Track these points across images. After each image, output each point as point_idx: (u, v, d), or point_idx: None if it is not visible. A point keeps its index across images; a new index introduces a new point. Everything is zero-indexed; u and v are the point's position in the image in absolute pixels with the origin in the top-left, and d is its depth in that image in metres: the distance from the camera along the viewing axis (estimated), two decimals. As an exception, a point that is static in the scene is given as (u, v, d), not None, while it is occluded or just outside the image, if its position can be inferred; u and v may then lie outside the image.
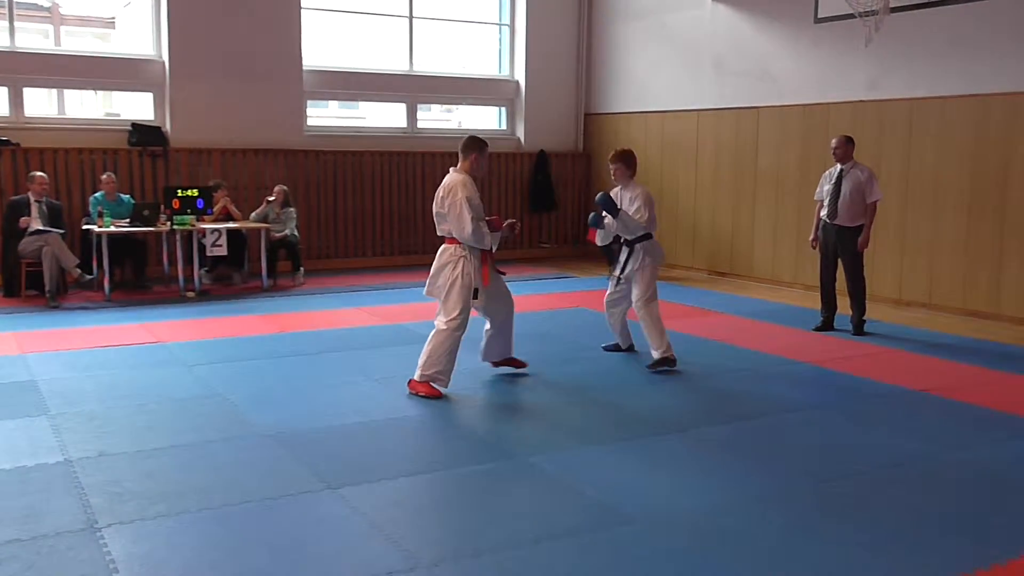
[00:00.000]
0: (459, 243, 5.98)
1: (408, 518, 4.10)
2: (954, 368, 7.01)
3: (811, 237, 8.36)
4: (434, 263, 6.07)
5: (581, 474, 4.65)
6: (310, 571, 3.56)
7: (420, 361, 5.99)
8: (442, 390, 6.01)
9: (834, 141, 8.11)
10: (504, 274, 6.46)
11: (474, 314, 6.18)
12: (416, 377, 6.00)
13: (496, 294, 6.29)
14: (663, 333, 6.70)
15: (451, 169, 6.14)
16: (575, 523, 4.05)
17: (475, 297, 6.03)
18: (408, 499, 4.31)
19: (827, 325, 8.28)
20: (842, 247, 8.06)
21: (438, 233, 6.13)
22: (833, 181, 8.03)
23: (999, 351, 7.57)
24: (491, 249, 6.13)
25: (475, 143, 6.10)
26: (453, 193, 5.92)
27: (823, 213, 8.11)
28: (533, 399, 6.11)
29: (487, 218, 6.10)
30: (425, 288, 6.15)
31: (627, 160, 6.86)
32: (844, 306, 8.26)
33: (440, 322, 5.99)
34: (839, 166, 8.02)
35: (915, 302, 9.51)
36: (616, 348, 7.33)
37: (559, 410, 5.87)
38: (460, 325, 5.97)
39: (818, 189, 8.25)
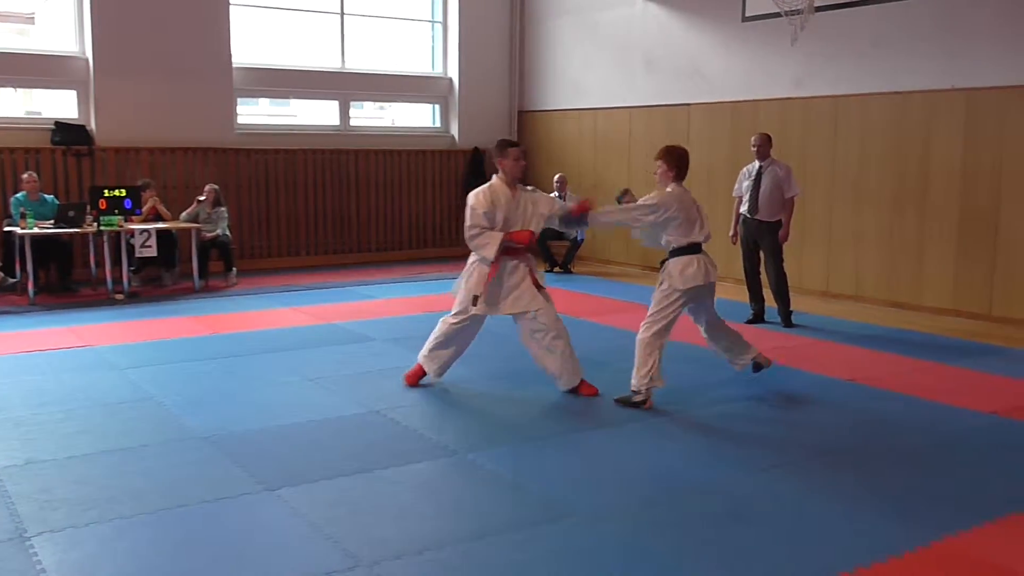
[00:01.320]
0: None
1: (348, 518, 4.08)
2: (880, 358, 7.21)
3: (731, 232, 8.59)
4: None
5: (521, 470, 4.68)
6: (249, 573, 3.53)
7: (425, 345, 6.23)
8: (430, 373, 6.22)
9: (754, 138, 8.28)
10: (541, 288, 6.03)
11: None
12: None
13: (520, 314, 5.96)
14: (648, 368, 5.69)
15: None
16: (516, 518, 4.08)
17: (474, 304, 5.90)
18: (347, 499, 4.29)
19: (758, 318, 8.47)
20: (762, 241, 8.27)
21: None
22: (753, 177, 8.23)
23: (922, 341, 7.81)
24: (491, 257, 5.81)
25: (498, 146, 6.09)
26: (469, 199, 5.93)
27: (743, 208, 8.30)
28: (472, 397, 6.12)
29: (511, 231, 5.85)
30: None
31: (668, 157, 5.85)
32: (772, 299, 8.44)
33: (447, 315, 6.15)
34: (758, 163, 8.22)
35: (842, 294, 9.76)
36: (756, 367, 6.39)
37: (498, 407, 5.89)
38: (455, 321, 6.05)
39: (737, 185, 8.43)
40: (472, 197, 5.90)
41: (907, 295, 9.22)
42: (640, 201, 5.75)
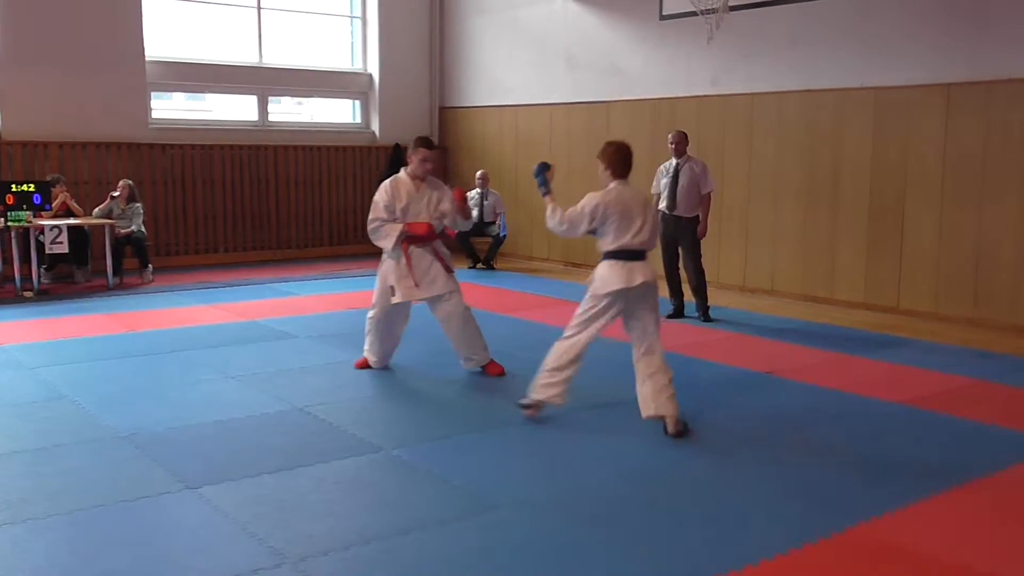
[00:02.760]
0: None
1: (272, 515, 4.03)
2: (796, 350, 7.41)
3: None
4: None
5: (445, 464, 4.68)
6: (173, 572, 3.47)
7: None
8: (372, 365, 6.52)
9: (671, 136, 8.38)
10: (451, 272, 6.29)
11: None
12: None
13: (435, 298, 6.25)
14: (556, 380, 5.28)
15: None
16: (442, 512, 4.09)
17: (392, 294, 6.15)
18: (272, 496, 4.24)
19: (678, 313, 8.60)
20: (681, 237, 8.40)
21: None
22: (670, 175, 8.34)
23: (836, 333, 8.06)
24: (389, 249, 6.16)
25: (413, 142, 6.29)
26: (376, 194, 6.19)
27: (661, 205, 8.39)
28: (397, 393, 6.11)
29: (409, 223, 6.11)
30: None
31: (603, 155, 5.40)
32: (691, 294, 8.60)
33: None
34: (675, 160, 8.34)
35: (759, 289, 10.00)
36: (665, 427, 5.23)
37: (424, 401, 5.89)
38: (374, 315, 6.33)
39: (655, 182, 8.52)
40: (378, 192, 6.20)
41: (821, 289, 9.50)
42: (578, 206, 5.20)
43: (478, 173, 12.04)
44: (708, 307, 8.51)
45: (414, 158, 6.20)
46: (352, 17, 13.68)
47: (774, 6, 9.62)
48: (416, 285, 6.14)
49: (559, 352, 5.26)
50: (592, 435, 5.20)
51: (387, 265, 6.22)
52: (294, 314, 8.59)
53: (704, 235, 8.40)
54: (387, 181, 6.25)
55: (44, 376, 6.25)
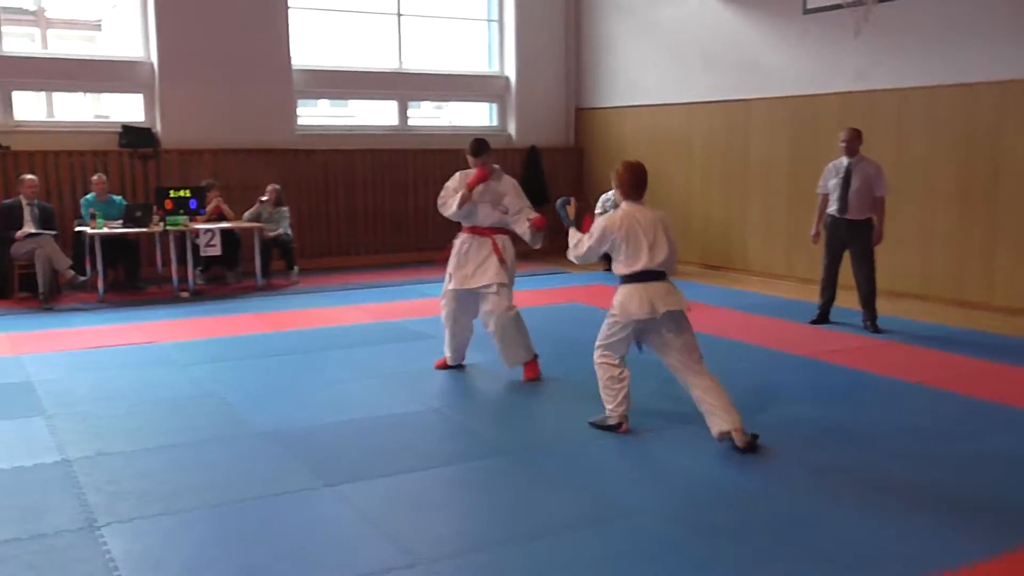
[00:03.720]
0: None
1: (406, 515, 4.10)
2: (948, 359, 7.03)
3: (812, 232, 8.16)
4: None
5: (575, 470, 4.65)
6: (310, 568, 3.57)
7: None
8: (449, 362, 6.62)
9: (843, 134, 7.85)
10: (505, 266, 6.28)
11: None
12: None
13: (481, 289, 6.35)
14: (611, 397, 5.26)
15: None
16: (573, 518, 4.06)
17: (449, 282, 6.46)
18: (406, 496, 4.31)
19: (821, 318, 8.22)
20: (853, 242, 7.88)
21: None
22: (841, 175, 7.80)
23: (992, 341, 7.59)
24: (454, 209, 6.44)
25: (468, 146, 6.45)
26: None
27: (831, 208, 7.90)
28: (529, 396, 6.12)
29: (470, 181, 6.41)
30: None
31: (615, 178, 5.37)
32: (841, 299, 8.22)
33: None
34: (845, 159, 7.81)
35: (908, 293, 9.54)
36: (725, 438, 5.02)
37: (554, 406, 5.88)
38: (443, 306, 6.52)
39: (822, 182, 8.02)
40: (450, 179, 6.50)
41: (976, 294, 8.98)
42: (590, 231, 5.17)
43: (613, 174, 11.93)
44: (877, 316, 7.97)
45: (472, 161, 6.39)
46: (489, 21, 13.83)
47: (926, -4, 9.18)
48: (467, 275, 6.27)
49: (605, 376, 5.23)
50: (716, 445, 5.06)
51: (450, 253, 6.44)
52: (431, 315, 8.71)
53: (880, 241, 7.85)
54: (461, 172, 6.48)
55: (195, 373, 6.56)
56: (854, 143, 7.79)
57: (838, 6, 9.18)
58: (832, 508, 4.13)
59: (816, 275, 8.43)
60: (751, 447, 4.84)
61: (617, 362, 5.22)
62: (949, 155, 9.13)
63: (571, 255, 5.31)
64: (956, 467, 4.68)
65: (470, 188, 6.26)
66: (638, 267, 5.01)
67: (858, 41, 9.46)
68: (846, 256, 8.03)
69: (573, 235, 5.29)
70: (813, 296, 8.47)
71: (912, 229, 9.49)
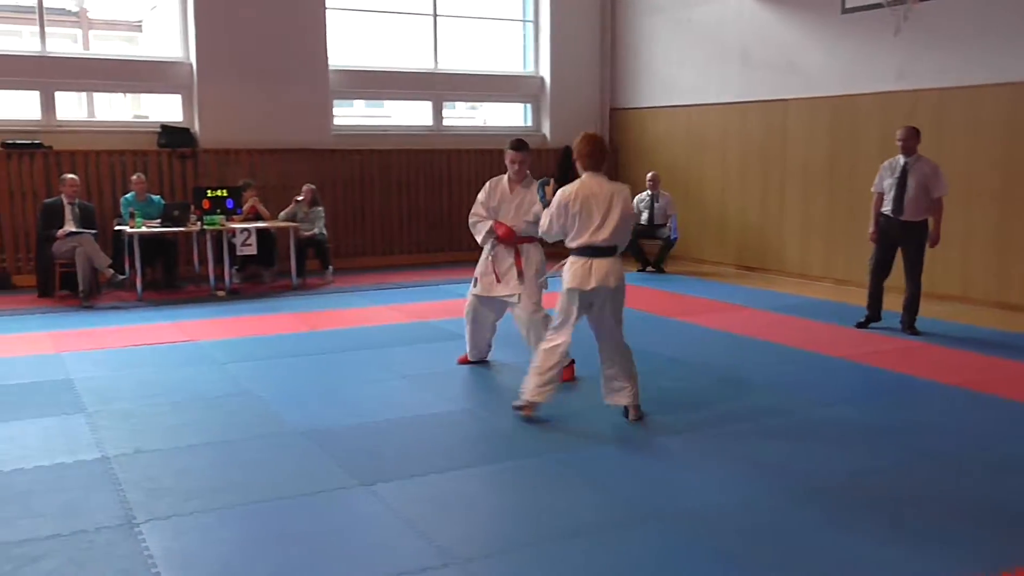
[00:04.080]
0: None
1: (440, 515, 4.11)
2: (990, 362, 6.93)
3: (871, 230, 7.93)
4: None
5: (605, 471, 4.64)
6: (345, 566, 3.59)
7: None
8: (470, 358, 6.78)
9: (900, 132, 7.66)
10: (522, 278, 6.34)
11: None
12: None
13: (506, 298, 6.48)
14: (546, 381, 5.41)
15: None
16: (604, 519, 4.04)
17: (473, 285, 6.54)
18: (439, 496, 4.32)
19: (871, 320, 8.02)
20: (907, 244, 7.71)
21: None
22: (897, 175, 7.63)
23: (1034, 343, 7.48)
24: (480, 241, 6.50)
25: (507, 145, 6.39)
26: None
27: (886, 208, 7.71)
28: (561, 396, 6.10)
29: (496, 222, 6.38)
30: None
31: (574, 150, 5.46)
32: (901, 304, 8.01)
33: None
34: (902, 158, 7.63)
35: (949, 295, 9.40)
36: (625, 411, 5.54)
37: (587, 408, 5.85)
38: (466, 306, 6.64)
39: (877, 181, 7.83)
40: (481, 189, 6.45)
41: (1020, 297, 8.83)
42: (548, 206, 5.36)
43: (649, 175, 11.89)
44: (916, 319, 7.83)
45: (505, 161, 6.37)
46: (524, 21, 13.83)
47: (968, -6, 9.03)
48: (498, 281, 6.35)
49: (544, 356, 5.35)
50: (766, 448, 5.02)
51: (480, 258, 6.49)
52: (459, 316, 8.73)
53: (936, 243, 7.68)
54: (491, 180, 6.49)
55: (232, 371, 6.62)
56: (910, 141, 7.59)
57: (877, 5, 9.08)
58: (863, 515, 4.08)
59: (854, 276, 8.36)
60: (639, 419, 5.36)
61: (563, 349, 5.33)
62: (990, 155, 8.98)
63: (540, 232, 5.49)
64: (993, 472, 4.60)
65: (500, 240, 6.36)
66: (584, 240, 5.16)
67: (897, 40, 9.35)
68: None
69: (545, 215, 5.40)
70: (851, 297, 8.38)
71: (953, 230, 9.32)
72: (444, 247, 12.91)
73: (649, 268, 11.68)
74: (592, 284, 5.13)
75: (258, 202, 10.77)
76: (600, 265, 5.15)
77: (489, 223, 6.34)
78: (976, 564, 3.58)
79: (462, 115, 14.69)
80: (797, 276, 11.07)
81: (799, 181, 11.03)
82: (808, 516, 4.06)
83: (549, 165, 13.59)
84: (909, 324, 7.84)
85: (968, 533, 3.87)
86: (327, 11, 11.96)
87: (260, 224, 10.34)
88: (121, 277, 9.65)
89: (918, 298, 7.82)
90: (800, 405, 5.78)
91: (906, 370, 6.61)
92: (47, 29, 10.86)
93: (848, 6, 10.19)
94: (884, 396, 6.02)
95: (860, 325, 8.03)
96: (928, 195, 7.58)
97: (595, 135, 5.39)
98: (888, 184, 7.71)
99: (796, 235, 11.15)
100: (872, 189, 7.96)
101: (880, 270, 7.91)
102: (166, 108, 11.75)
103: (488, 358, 6.82)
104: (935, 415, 5.59)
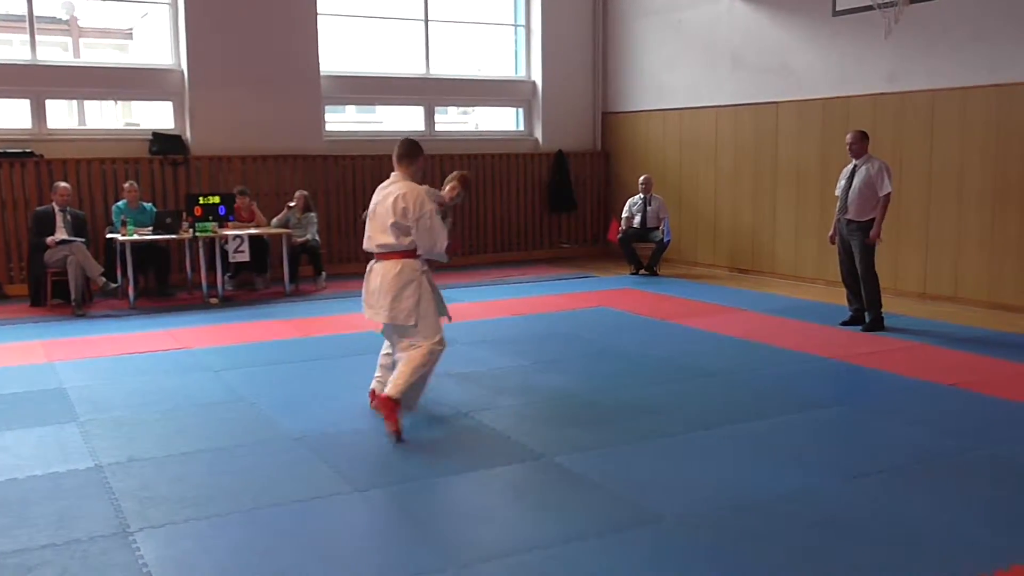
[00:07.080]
0: (416, 257, 5.44)
1: (437, 519, 4.10)
2: (983, 361, 6.94)
3: (830, 232, 8.28)
4: (385, 281, 5.32)
5: (607, 473, 4.64)
6: (342, 572, 3.57)
7: (400, 383, 5.23)
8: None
9: (848, 136, 8.03)
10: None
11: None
12: (394, 396, 5.19)
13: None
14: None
15: (393, 174, 5.56)
16: (605, 522, 4.04)
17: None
18: (436, 500, 4.32)
19: (855, 320, 8.17)
20: (853, 241, 7.97)
21: (383, 246, 5.38)
22: (848, 176, 8.00)
23: (1027, 343, 7.50)
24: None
25: (420, 147, 5.64)
26: (421, 205, 5.32)
27: (838, 208, 8.06)
28: (558, 400, 6.10)
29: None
30: (372, 310, 5.43)
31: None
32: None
33: (425, 344, 5.35)
34: (854, 161, 7.98)
35: (940, 296, 9.43)
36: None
37: (584, 410, 5.86)
38: (443, 340, 5.51)
39: (838, 184, 8.18)
40: (428, 201, 5.48)
41: (1011, 296, 8.86)
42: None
43: (641, 178, 11.90)
44: (881, 318, 7.99)
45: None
46: (516, 26, 13.84)
47: (957, -4, 9.07)
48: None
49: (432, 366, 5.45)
50: (761, 449, 5.02)
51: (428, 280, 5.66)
52: (458, 320, 8.71)
53: (875, 240, 7.87)
54: (429, 191, 5.96)
55: (226, 378, 6.60)
56: (856, 145, 7.96)
57: (868, 7, 9.11)
58: (860, 518, 4.08)
59: (845, 278, 8.40)
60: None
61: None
62: (982, 156, 9.01)
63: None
64: (989, 472, 4.61)
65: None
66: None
67: (889, 42, 9.38)
68: None
69: None
70: (844, 299, 8.41)
71: (945, 231, 9.38)
72: (437, 252, 12.88)
73: (642, 271, 11.69)
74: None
75: (255, 207, 10.77)
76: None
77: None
78: (976, 564, 3.58)
79: (454, 120, 14.69)
80: (790, 278, 11.08)
81: (791, 183, 11.05)
82: (803, 517, 4.06)
83: (542, 169, 13.63)
84: (872, 321, 7.98)
85: (965, 533, 3.88)
86: (319, 17, 11.95)
87: (253, 231, 10.32)
88: (113, 285, 9.62)
89: (873, 294, 7.98)
90: (793, 406, 5.78)
91: (898, 371, 6.62)
92: (38, 37, 10.83)
93: (839, 8, 10.22)
94: (877, 397, 6.03)
95: (845, 323, 8.16)
96: (874, 194, 7.85)
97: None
98: (841, 186, 8.05)
99: (788, 237, 11.17)
100: (836, 192, 8.19)
101: (843, 268, 8.20)
102: (157, 115, 11.73)
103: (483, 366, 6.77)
104: (928, 415, 5.59)
